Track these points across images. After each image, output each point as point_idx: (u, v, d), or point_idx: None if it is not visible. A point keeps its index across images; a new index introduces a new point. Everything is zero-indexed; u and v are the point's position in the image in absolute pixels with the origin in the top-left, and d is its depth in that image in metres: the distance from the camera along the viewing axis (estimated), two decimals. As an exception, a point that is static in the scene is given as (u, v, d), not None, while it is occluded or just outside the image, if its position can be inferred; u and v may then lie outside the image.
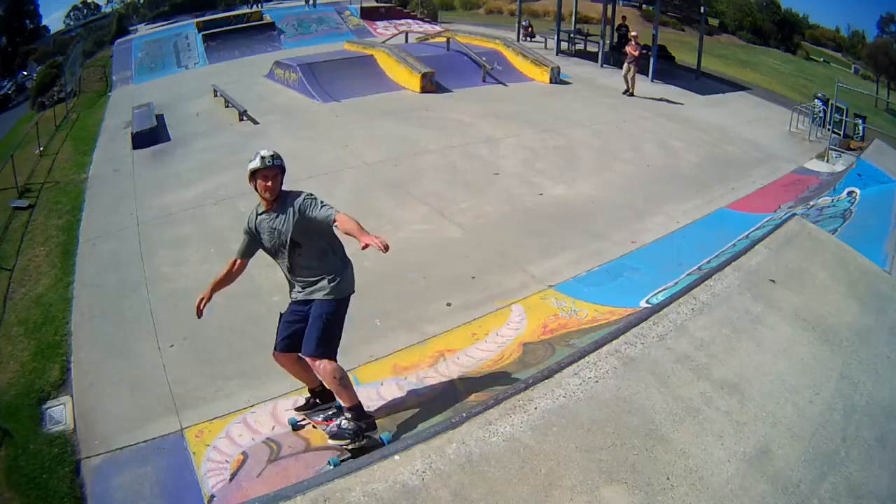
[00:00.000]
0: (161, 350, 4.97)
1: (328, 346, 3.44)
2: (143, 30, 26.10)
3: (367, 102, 12.67)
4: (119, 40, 23.73)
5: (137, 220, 7.56)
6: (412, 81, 13.54)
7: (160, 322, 5.37)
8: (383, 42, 16.75)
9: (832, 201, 7.39)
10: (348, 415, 3.51)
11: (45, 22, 34.07)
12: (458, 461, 2.17)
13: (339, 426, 3.54)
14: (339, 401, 3.59)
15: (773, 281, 3.33)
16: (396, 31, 20.17)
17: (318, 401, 3.89)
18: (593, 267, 6.14)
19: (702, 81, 16.24)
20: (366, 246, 2.99)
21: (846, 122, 12.52)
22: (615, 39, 18.14)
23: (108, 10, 32.85)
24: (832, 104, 12.35)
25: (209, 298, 3.65)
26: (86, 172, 10.00)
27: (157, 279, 6.12)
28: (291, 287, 3.74)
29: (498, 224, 7.11)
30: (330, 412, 3.76)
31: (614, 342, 2.83)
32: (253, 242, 3.67)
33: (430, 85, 13.42)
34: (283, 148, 10.00)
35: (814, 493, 2.20)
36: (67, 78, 20.24)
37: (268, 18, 23.21)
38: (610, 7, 18.12)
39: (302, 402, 3.98)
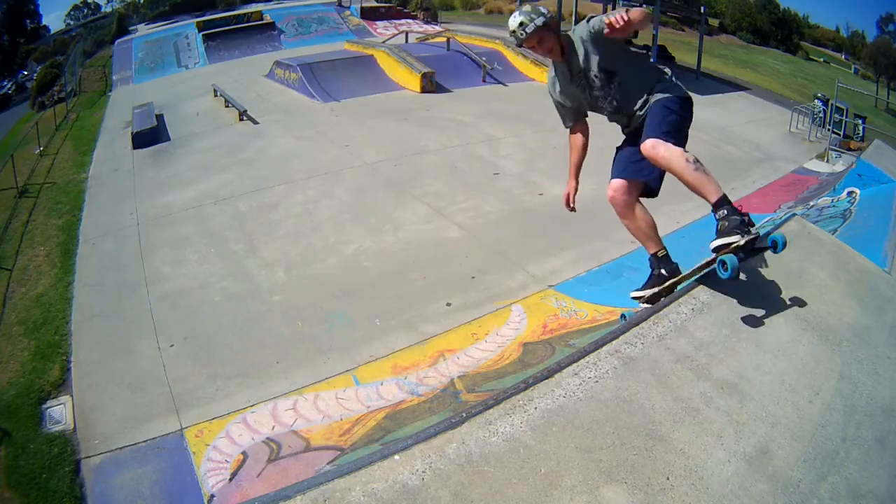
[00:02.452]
0: (161, 350, 4.98)
1: (676, 135, 2.78)
2: (143, 30, 26.13)
3: (368, 102, 12.67)
4: (119, 40, 23.76)
5: (137, 220, 7.57)
6: (412, 81, 13.54)
7: (160, 322, 5.37)
8: (383, 42, 16.76)
9: (832, 201, 7.38)
10: (722, 210, 2.73)
11: (45, 22, 34.15)
12: (458, 461, 2.16)
13: (717, 228, 2.77)
14: (704, 194, 2.76)
15: (774, 281, 3.33)
16: (396, 31, 20.19)
17: (664, 272, 3.23)
18: (593, 267, 6.14)
19: (702, 81, 16.25)
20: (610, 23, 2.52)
21: (846, 122, 12.52)
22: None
23: (108, 9, 32.88)
24: (832, 104, 12.35)
25: (577, 187, 3.20)
26: (86, 172, 10.01)
27: (157, 279, 6.12)
28: (623, 125, 3.11)
29: (498, 224, 7.11)
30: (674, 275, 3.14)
31: (614, 342, 2.82)
32: (571, 103, 3.06)
33: (430, 85, 13.43)
34: (283, 148, 10.09)
35: (813, 492, 2.20)
36: (67, 78, 20.26)
37: (268, 18, 23.24)
38: (610, 7, 18.13)
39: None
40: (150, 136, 10.98)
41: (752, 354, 2.75)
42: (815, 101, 12.81)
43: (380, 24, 23.39)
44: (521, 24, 2.81)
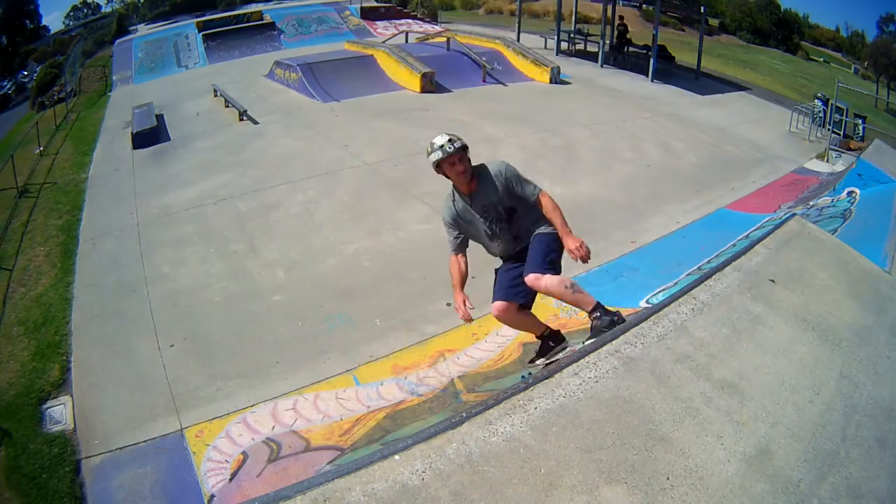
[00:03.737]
0: (161, 350, 4.98)
1: (552, 264, 3.30)
2: (143, 30, 26.11)
3: (367, 102, 12.67)
4: (119, 40, 23.74)
5: (137, 220, 7.57)
6: (412, 81, 13.54)
7: (160, 322, 5.37)
8: (383, 42, 16.75)
9: (832, 201, 7.38)
10: (595, 314, 3.24)
11: (45, 22, 34.12)
12: (458, 461, 2.16)
13: (593, 328, 3.24)
14: (581, 307, 3.31)
15: (773, 281, 3.33)
16: (396, 31, 20.18)
17: (550, 343, 3.65)
18: (593, 267, 6.13)
19: (702, 81, 16.25)
20: (571, 251, 3.09)
21: (846, 122, 12.53)
22: (615, 39, 18.15)
23: (108, 10, 32.88)
24: (832, 104, 12.35)
25: (466, 298, 3.46)
26: (86, 172, 10.01)
27: (157, 279, 6.12)
28: (508, 251, 3.54)
29: (498, 224, 7.10)
30: (568, 347, 3.59)
31: (614, 342, 2.83)
32: (460, 233, 3.49)
33: (430, 85, 13.43)
34: (283, 148, 10.09)
35: (814, 492, 2.20)
36: (67, 78, 20.26)
37: (268, 18, 23.23)
38: (610, 7, 18.13)
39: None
40: (150, 136, 10.98)
41: (752, 354, 2.76)
42: (815, 101, 12.81)
43: (380, 24, 23.38)
44: (449, 140, 3.20)
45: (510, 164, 3.32)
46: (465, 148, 3.23)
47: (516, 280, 3.36)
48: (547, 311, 5.31)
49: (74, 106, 16.52)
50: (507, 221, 3.36)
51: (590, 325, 3.28)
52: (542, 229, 3.38)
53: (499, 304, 3.41)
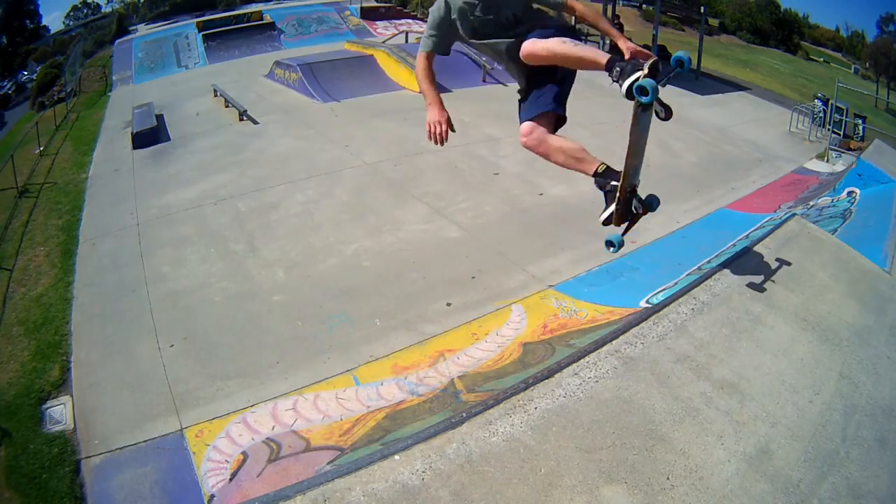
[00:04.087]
0: (161, 350, 4.97)
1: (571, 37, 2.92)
2: (143, 30, 26.10)
3: (367, 102, 12.67)
4: (119, 40, 23.73)
5: (137, 220, 7.56)
6: (412, 81, 13.52)
7: (160, 322, 5.37)
8: (383, 42, 16.75)
9: (832, 201, 7.38)
10: (617, 64, 2.79)
11: (45, 22, 34.06)
12: (458, 461, 2.16)
13: (619, 75, 2.80)
14: (595, 60, 2.85)
15: (774, 281, 3.33)
16: (396, 31, 20.19)
17: (612, 183, 3.31)
18: (593, 267, 6.13)
19: (702, 81, 16.24)
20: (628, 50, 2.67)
21: (846, 122, 12.53)
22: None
23: (108, 10, 32.85)
24: (832, 104, 12.35)
25: (448, 117, 3.14)
26: (86, 172, 10.00)
27: (157, 279, 6.12)
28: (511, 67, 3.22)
29: (498, 224, 7.10)
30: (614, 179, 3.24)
31: (614, 342, 2.83)
32: (448, 32, 3.14)
33: (431, 85, 13.41)
34: (283, 148, 10.09)
35: (814, 492, 2.20)
36: (67, 78, 20.26)
37: (268, 18, 23.22)
38: (610, 7, 18.13)
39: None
40: (150, 136, 10.97)
41: (752, 354, 2.76)
42: (815, 101, 12.82)
43: (380, 24, 23.38)
44: None
45: None
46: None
47: (533, 97, 3.06)
48: (547, 311, 5.31)
49: (74, 106, 16.51)
50: (508, 30, 3.02)
51: (618, 69, 2.80)
52: (545, 27, 2.98)
53: (522, 126, 3.13)
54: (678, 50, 2.99)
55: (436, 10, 3.07)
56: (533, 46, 2.84)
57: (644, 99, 2.72)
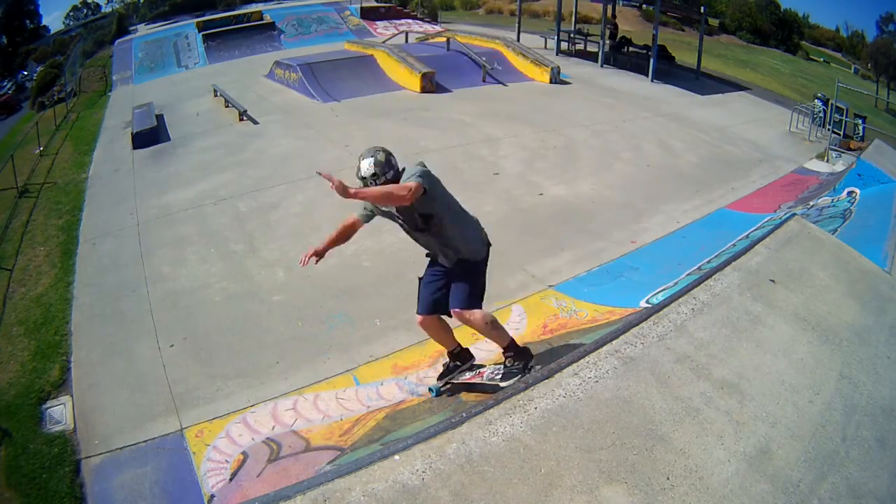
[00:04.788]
0: (161, 350, 4.97)
1: (475, 297, 3.51)
2: (143, 30, 26.11)
3: (367, 102, 12.67)
4: (119, 40, 23.74)
5: (137, 220, 7.56)
6: (412, 81, 13.54)
7: (160, 322, 5.37)
8: (383, 42, 16.75)
9: (832, 201, 7.39)
10: (509, 353, 3.61)
11: (45, 22, 34.15)
12: (458, 461, 2.16)
13: (506, 367, 3.61)
14: (496, 343, 3.66)
15: (773, 281, 3.33)
16: (396, 31, 20.18)
17: (458, 363, 3.93)
18: (593, 267, 6.14)
19: (702, 81, 16.25)
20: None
21: (846, 122, 12.53)
22: (607, 39, 18.16)
23: (108, 10, 32.88)
24: (832, 104, 12.35)
25: (322, 252, 3.55)
26: (86, 172, 10.00)
27: (157, 279, 6.12)
28: (432, 257, 3.73)
29: (498, 224, 7.09)
30: (474, 366, 3.90)
31: (614, 342, 2.83)
32: (372, 213, 3.67)
33: (430, 85, 13.42)
34: (283, 148, 10.09)
35: (814, 492, 2.20)
36: (67, 78, 20.27)
37: (268, 18, 23.22)
38: (610, 7, 18.13)
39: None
40: (150, 136, 10.97)
41: (752, 354, 2.76)
42: (815, 101, 12.82)
43: (380, 24, 23.38)
44: (373, 174, 3.36)
45: (417, 167, 3.42)
46: (388, 163, 3.43)
47: (437, 294, 3.57)
48: (547, 311, 5.31)
49: (74, 106, 16.52)
50: (423, 226, 3.48)
51: (500, 368, 3.65)
52: (466, 254, 3.56)
53: (420, 318, 3.68)
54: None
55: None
56: (461, 317, 3.49)
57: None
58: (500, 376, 3.62)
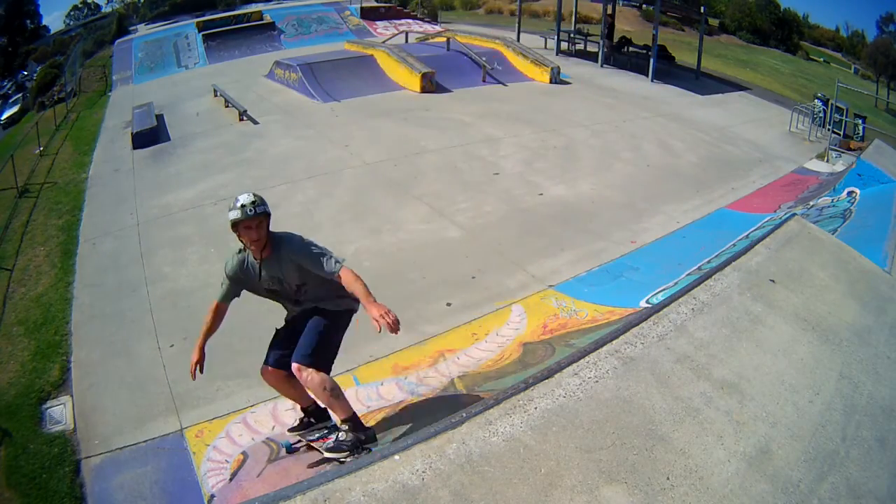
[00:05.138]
0: (161, 350, 4.97)
1: (321, 356, 3.22)
2: (143, 30, 26.12)
3: (367, 102, 12.67)
4: (119, 40, 23.74)
5: (137, 220, 7.56)
6: (412, 81, 13.54)
7: (160, 322, 5.37)
8: (383, 42, 16.75)
9: (832, 201, 7.39)
10: (345, 427, 3.29)
11: (45, 22, 34.16)
12: (458, 461, 2.16)
13: (336, 439, 3.32)
14: (333, 414, 3.39)
15: (773, 281, 3.33)
16: (396, 31, 20.18)
17: (312, 420, 3.66)
18: (593, 267, 6.14)
19: (702, 81, 16.25)
20: (376, 320, 2.94)
21: (846, 122, 12.53)
22: (605, 34, 18.13)
23: (108, 10, 32.88)
24: (832, 104, 12.36)
25: (201, 357, 3.35)
26: (86, 172, 10.00)
27: (157, 279, 6.12)
28: (291, 312, 3.56)
29: (498, 224, 7.10)
30: (325, 430, 3.59)
31: (614, 342, 2.83)
32: (237, 287, 3.45)
33: (430, 85, 13.43)
34: (283, 148, 10.09)
35: (814, 492, 2.20)
36: (67, 78, 20.26)
37: (268, 18, 23.23)
38: (610, 7, 18.13)
39: (295, 422, 3.76)
40: (150, 136, 10.97)
41: (752, 354, 2.76)
42: (815, 101, 12.82)
43: (380, 24, 23.39)
44: (253, 202, 3.07)
45: (307, 242, 3.26)
46: (267, 215, 3.16)
47: (287, 351, 3.30)
48: (547, 311, 5.31)
49: (74, 106, 16.51)
50: (294, 294, 3.36)
51: (333, 438, 3.36)
52: (326, 304, 3.39)
53: (266, 368, 3.42)
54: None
55: (227, 271, 3.40)
56: (298, 374, 3.17)
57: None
58: (331, 447, 3.34)
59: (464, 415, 2.35)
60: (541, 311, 5.29)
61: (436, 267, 6.11)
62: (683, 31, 26.47)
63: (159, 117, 12.14)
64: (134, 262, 6.54)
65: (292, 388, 3.46)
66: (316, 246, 3.26)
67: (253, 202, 3.08)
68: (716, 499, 2.11)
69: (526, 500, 2.04)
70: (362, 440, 3.27)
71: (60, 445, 4.02)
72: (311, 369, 3.13)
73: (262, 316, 5.42)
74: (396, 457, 2.16)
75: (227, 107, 12.65)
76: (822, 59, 30.17)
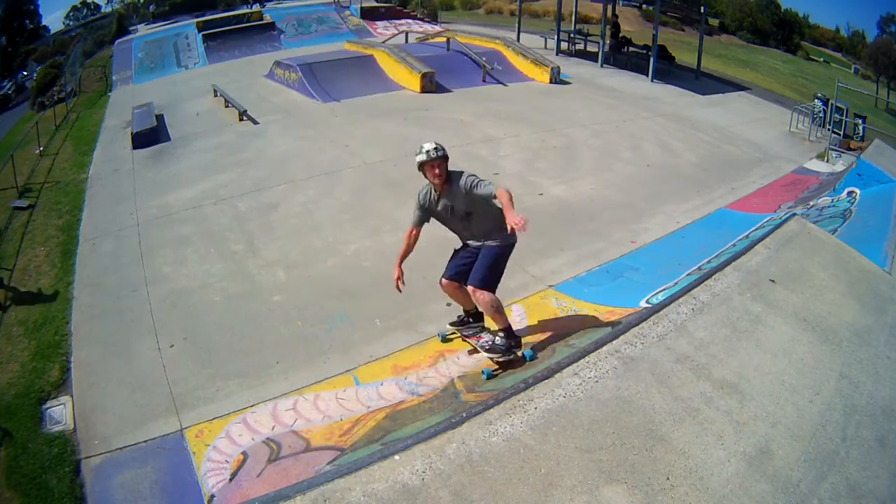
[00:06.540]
0: (161, 350, 4.97)
1: (490, 281, 4.07)
2: (143, 30, 26.10)
3: (367, 102, 12.67)
4: (119, 40, 23.73)
5: (137, 220, 7.56)
6: (412, 81, 13.54)
7: (160, 322, 5.37)
8: (383, 42, 16.75)
9: (832, 201, 7.39)
10: (501, 333, 4.13)
11: (45, 22, 34.10)
12: (458, 461, 2.16)
13: (493, 342, 4.18)
14: (494, 324, 4.17)
15: (773, 281, 3.33)
16: (396, 31, 20.18)
17: (470, 319, 4.61)
18: (593, 267, 6.13)
19: (702, 81, 16.25)
20: (512, 228, 3.55)
21: (846, 122, 12.53)
22: (609, 38, 18.17)
23: (108, 10, 32.87)
24: (832, 104, 12.36)
25: (401, 273, 4.27)
26: (86, 172, 10.00)
27: (157, 279, 6.12)
28: (464, 241, 4.35)
29: (498, 224, 7.10)
30: (478, 329, 4.52)
31: (614, 342, 2.83)
32: (426, 215, 4.28)
33: (430, 85, 13.43)
34: (283, 148, 10.09)
35: (814, 492, 2.20)
36: (67, 78, 20.23)
37: (268, 18, 23.22)
38: (610, 7, 18.13)
39: (454, 318, 4.70)
40: (150, 136, 10.96)
41: (752, 354, 2.76)
42: (815, 101, 12.82)
43: (380, 24, 23.38)
44: (435, 147, 4.02)
45: (471, 175, 4.04)
46: (445, 158, 4.06)
47: (463, 267, 4.23)
48: (547, 311, 5.32)
49: (74, 106, 16.51)
50: (464, 220, 4.17)
51: (493, 339, 4.25)
52: (492, 241, 4.15)
53: (444, 280, 4.37)
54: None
55: (418, 200, 4.31)
56: (473, 295, 4.14)
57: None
58: (487, 346, 4.20)
59: (464, 415, 2.35)
60: (541, 311, 5.29)
61: (436, 267, 6.08)
62: (683, 31, 26.48)
63: (159, 117, 12.14)
64: (134, 262, 6.54)
65: (462, 295, 4.37)
66: (476, 176, 4.03)
67: (435, 148, 4.03)
68: (716, 499, 2.11)
69: (526, 500, 2.04)
70: (512, 345, 4.14)
71: (60, 445, 4.02)
72: (482, 290, 4.01)
73: (262, 316, 5.44)
74: (396, 457, 2.16)
75: (227, 107, 12.65)
76: (822, 59, 30.18)
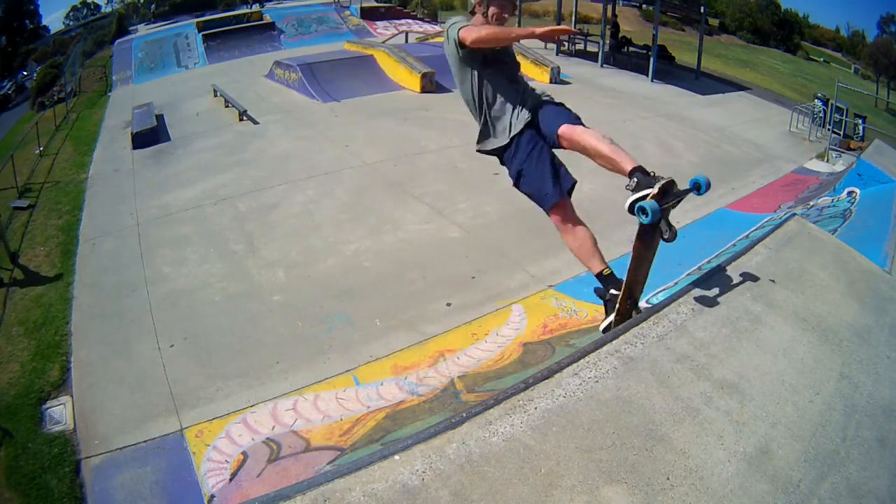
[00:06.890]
0: (161, 350, 4.97)
1: (579, 120, 3.29)
2: (143, 30, 26.12)
3: (367, 102, 12.67)
4: (119, 40, 23.74)
5: (137, 220, 7.56)
6: (412, 81, 13.54)
7: (160, 322, 5.37)
8: (383, 42, 16.75)
9: (832, 201, 7.39)
10: (637, 174, 2.95)
11: (45, 22, 34.10)
12: (458, 461, 2.16)
13: (630, 188, 2.95)
14: (621, 164, 3.06)
15: (773, 281, 3.32)
16: (396, 31, 20.19)
17: (612, 291, 3.46)
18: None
19: (702, 81, 16.26)
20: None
21: (846, 122, 12.54)
22: (608, 38, 18.16)
23: (108, 10, 32.86)
24: (832, 104, 12.36)
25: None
26: (86, 172, 10.00)
27: (157, 279, 6.12)
28: (514, 109, 3.43)
29: (498, 224, 7.10)
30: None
31: (614, 342, 2.82)
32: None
33: (430, 85, 13.42)
34: (283, 148, 10.09)
35: (814, 492, 2.19)
36: (67, 78, 20.24)
37: (268, 18, 23.23)
38: (610, 7, 18.14)
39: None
40: (150, 136, 10.97)
41: (752, 354, 2.75)
42: (815, 101, 12.83)
43: (380, 24, 23.39)
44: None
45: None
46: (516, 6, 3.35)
47: (561, 167, 3.47)
48: (547, 311, 5.31)
49: (74, 106, 16.51)
50: (514, 68, 3.49)
51: (635, 181, 2.94)
52: (544, 96, 3.49)
53: (560, 203, 3.52)
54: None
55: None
56: (572, 132, 3.20)
57: (643, 219, 2.75)
58: (631, 187, 2.97)
59: (464, 415, 2.35)
60: (541, 311, 5.29)
61: (436, 267, 6.11)
62: (683, 31, 26.49)
63: (159, 117, 12.14)
64: (134, 262, 6.54)
65: (588, 239, 3.59)
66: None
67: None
68: (716, 499, 2.10)
69: (526, 500, 2.04)
70: (654, 174, 2.92)
71: (60, 445, 4.02)
72: (579, 125, 3.24)
73: (262, 316, 5.44)
74: (396, 457, 2.16)
75: (226, 107, 12.65)
76: (822, 59, 30.18)
